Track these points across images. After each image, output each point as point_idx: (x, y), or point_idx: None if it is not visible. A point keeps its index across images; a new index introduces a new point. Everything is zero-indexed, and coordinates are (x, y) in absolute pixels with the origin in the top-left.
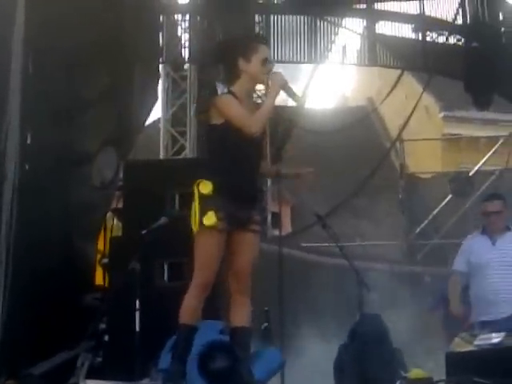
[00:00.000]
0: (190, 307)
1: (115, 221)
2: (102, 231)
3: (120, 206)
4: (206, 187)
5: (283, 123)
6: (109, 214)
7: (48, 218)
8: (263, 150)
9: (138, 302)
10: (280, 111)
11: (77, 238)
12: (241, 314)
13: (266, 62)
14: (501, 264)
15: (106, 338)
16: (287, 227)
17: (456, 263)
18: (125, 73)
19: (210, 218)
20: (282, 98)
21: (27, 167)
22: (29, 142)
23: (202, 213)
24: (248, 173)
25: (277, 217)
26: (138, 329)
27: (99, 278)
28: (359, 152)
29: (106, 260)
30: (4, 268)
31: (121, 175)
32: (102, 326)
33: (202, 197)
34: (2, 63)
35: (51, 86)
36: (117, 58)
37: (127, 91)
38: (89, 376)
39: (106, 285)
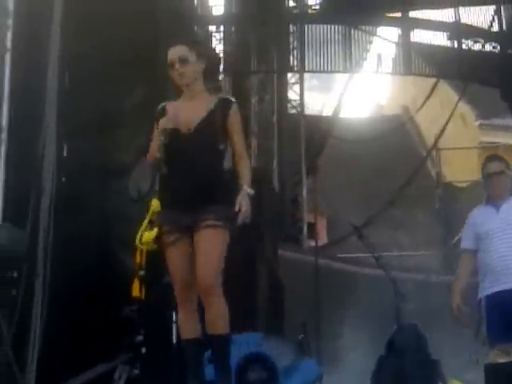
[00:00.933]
0: (180, 321)
1: (152, 233)
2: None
3: None
4: (155, 204)
5: (318, 133)
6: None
7: (85, 231)
8: (211, 148)
9: (174, 314)
10: (315, 121)
11: (114, 250)
12: (210, 319)
13: (170, 66)
14: (506, 231)
15: (144, 350)
16: (323, 238)
17: (463, 241)
18: (160, 84)
19: (145, 237)
20: (316, 109)
21: (64, 179)
22: (65, 154)
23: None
24: (184, 178)
25: (313, 227)
26: (174, 341)
27: (136, 290)
28: (395, 161)
29: (142, 272)
30: (42, 280)
31: (157, 187)
32: (140, 338)
33: (154, 214)
34: (38, 77)
35: (87, 99)
36: (152, 69)
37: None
38: None
39: (143, 297)
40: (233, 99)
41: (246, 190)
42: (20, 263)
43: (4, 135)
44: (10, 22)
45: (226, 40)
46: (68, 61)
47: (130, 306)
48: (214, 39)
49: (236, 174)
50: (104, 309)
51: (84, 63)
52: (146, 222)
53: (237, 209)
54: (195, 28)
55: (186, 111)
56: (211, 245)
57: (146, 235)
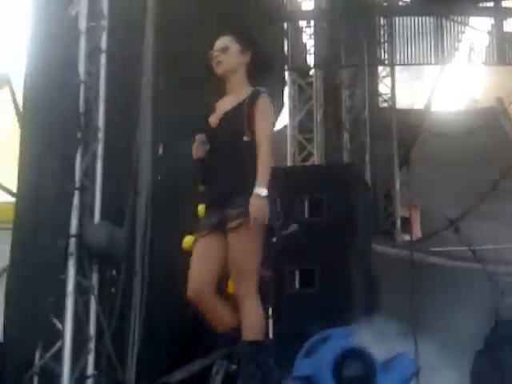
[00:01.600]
0: (211, 319)
1: None
2: None
3: None
4: (201, 211)
5: (410, 126)
6: None
7: (181, 228)
8: (236, 140)
9: (270, 309)
10: (406, 115)
11: None
12: (245, 325)
13: (212, 55)
14: None
15: None
16: (417, 232)
17: None
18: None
19: (187, 241)
20: (407, 102)
21: (159, 178)
22: (160, 153)
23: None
24: (214, 174)
25: (406, 222)
26: (271, 336)
27: (231, 286)
28: (489, 154)
29: None
30: (140, 278)
31: None
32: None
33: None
34: (133, 78)
35: (181, 99)
36: None
37: None
38: (224, 383)
39: None
40: (263, 89)
41: (256, 192)
42: (119, 262)
43: (101, 135)
44: (105, 23)
45: (316, 35)
46: (162, 61)
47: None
48: (304, 34)
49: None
50: None
51: (177, 65)
52: None
53: (251, 217)
54: (285, 25)
55: (222, 105)
56: (238, 252)
57: (187, 239)
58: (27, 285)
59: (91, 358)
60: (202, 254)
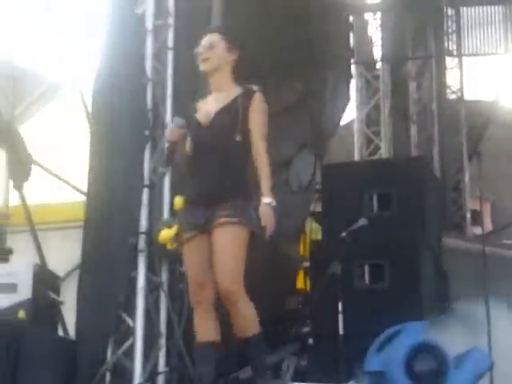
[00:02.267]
0: (195, 323)
1: (314, 224)
2: (302, 235)
3: (318, 209)
4: (178, 202)
5: (479, 118)
6: (308, 218)
7: None
8: (228, 139)
9: (340, 304)
10: (475, 106)
11: (279, 243)
12: (237, 323)
13: (198, 53)
14: None
15: (311, 341)
16: (487, 225)
17: None
18: (317, 76)
19: (163, 236)
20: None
21: None
22: None
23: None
24: (202, 172)
25: (476, 215)
26: (341, 331)
27: (300, 281)
28: None
29: (306, 264)
30: None
31: (318, 178)
32: (306, 329)
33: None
34: (199, 75)
35: None
36: (309, 62)
37: (320, 94)
38: (294, 379)
39: (308, 288)
40: (256, 87)
41: (266, 201)
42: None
43: None
44: (171, 21)
45: (382, 27)
46: None
47: (295, 297)
48: (369, 27)
49: (255, 171)
50: (271, 301)
51: (242, 58)
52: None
53: (262, 224)
54: (350, 18)
55: (210, 103)
56: (226, 246)
57: (164, 233)
58: (98, 282)
59: (162, 354)
60: (193, 259)
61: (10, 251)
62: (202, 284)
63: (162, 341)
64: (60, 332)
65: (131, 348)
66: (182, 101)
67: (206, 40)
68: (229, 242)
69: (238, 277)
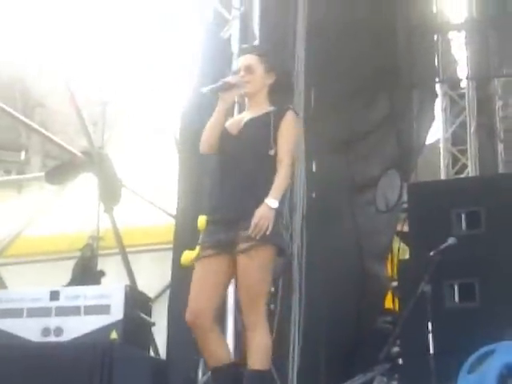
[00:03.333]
0: (203, 350)
1: (401, 244)
2: (389, 254)
3: (405, 228)
4: (201, 223)
5: None
6: (395, 238)
7: (337, 244)
8: (259, 152)
9: (430, 324)
10: None
11: (366, 262)
12: (250, 353)
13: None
14: None
15: (401, 361)
16: None
17: None
18: (403, 96)
19: (185, 256)
20: None
21: (313, 195)
22: (314, 169)
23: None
24: (228, 187)
25: None
26: (431, 351)
27: (389, 301)
28: None
29: (394, 283)
30: (298, 295)
31: (404, 197)
32: (396, 349)
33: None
34: (286, 98)
35: (332, 115)
36: (394, 82)
37: (406, 114)
38: None
39: (396, 308)
40: (290, 106)
41: (268, 201)
42: (276, 279)
43: None
44: (257, 43)
45: (467, 45)
46: (313, 80)
47: (384, 317)
48: (453, 45)
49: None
50: (360, 320)
51: (328, 80)
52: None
53: (253, 222)
54: (435, 37)
55: (244, 116)
56: (247, 276)
57: (186, 254)
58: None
59: None
60: (204, 277)
61: (101, 273)
62: (199, 310)
63: None
64: (151, 352)
65: None
66: None
67: (243, 61)
68: (256, 269)
69: (259, 306)
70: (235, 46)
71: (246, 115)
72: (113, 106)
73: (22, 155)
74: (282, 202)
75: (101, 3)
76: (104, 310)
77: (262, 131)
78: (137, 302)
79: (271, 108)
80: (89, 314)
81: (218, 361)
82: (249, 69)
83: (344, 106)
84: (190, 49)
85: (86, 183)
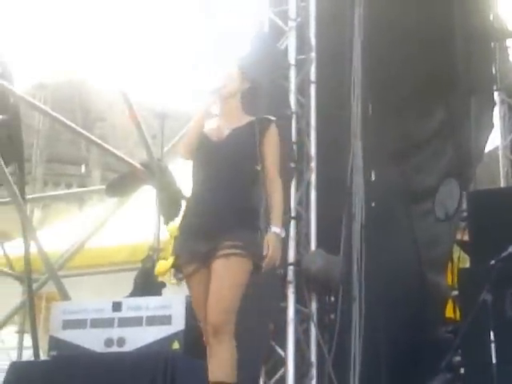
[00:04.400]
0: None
1: (461, 252)
2: (449, 263)
3: (465, 237)
4: (172, 231)
5: None
6: (455, 246)
7: (396, 253)
8: (245, 164)
9: (491, 333)
10: None
11: (426, 271)
12: (214, 364)
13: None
14: None
15: (462, 370)
16: None
17: None
18: (460, 104)
19: (160, 267)
20: None
21: (373, 205)
22: (372, 179)
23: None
24: (207, 196)
25: None
26: (494, 360)
27: (450, 310)
28: None
29: (455, 292)
30: (358, 304)
31: (464, 206)
32: (457, 358)
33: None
34: (342, 107)
35: (390, 125)
36: (451, 90)
37: (464, 122)
38: None
39: (457, 317)
40: (272, 118)
41: (275, 231)
42: (336, 288)
43: (314, 164)
44: (313, 55)
45: None
46: (370, 89)
47: (445, 326)
48: (510, 53)
49: (268, 203)
50: (420, 330)
51: (384, 90)
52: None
53: (264, 252)
54: (492, 44)
55: (220, 120)
56: (222, 278)
57: (161, 265)
58: (249, 313)
59: (314, 383)
60: (199, 294)
61: (162, 284)
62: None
63: (314, 370)
64: None
65: (283, 377)
66: (325, 132)
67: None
68: (225, 276)
69: (229, 314)
70: (292, 57)
71: (223, 122)
72: (171, 118)
73: (83, 168)
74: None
75: (157, 19)
76: (165, 320)
77: (247, 144)
78: None
79: (250, 118)
80: (150, 324)
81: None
82: (227, 75)
83: (401, 114)
84: (246, 60)
85: (146, 195)
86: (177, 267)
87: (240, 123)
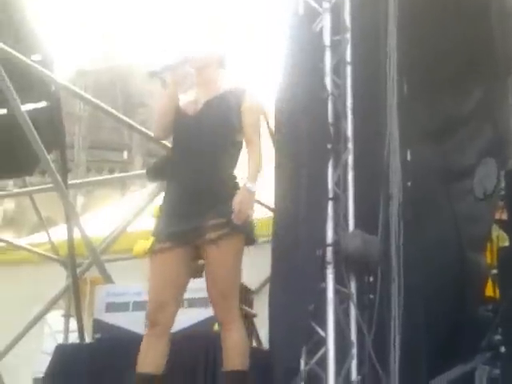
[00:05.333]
0: (141, 350)
1: (500, 231)
2: (489, 243)
3: (504, 216)
4: (155, 210)
5: None
6: (494, 225)
7: (435, 233)
8: (224, 136)
9: None
10: None
11: (466, 251)
12: (228, 353)
13: None
14: None
15: (503, 349)
16: None
17: None
18: (498, 85)
19: (138, 246)
20: None
21: (409, 184)
22: (409, 159)
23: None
24: (186, 173)
25: None
26: None
27: (489, 289)
28: None
29: (494, 271)
30: (397, 284)
31: (502, 185)
32: (498, 337)
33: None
34: (378, 86)
35: (426, 104)
36: (489, 70)
37: (503, 102)
38: None
39: (497, 296)
40: (249, 85)
41: (246, 185)
42: (375, 268)
43: (351, 145)
44: (348, 36)
45: None
46: (405, 68)
47: (485, 305)
48: None
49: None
50: (460, 309)
51: (420, 68)
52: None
53: (235, 209)
54: None
55: (197, 93)
56: (219, 269)
57: (139, 244)
58: (289, 294)
59: (354, 363)
60: (163, 272)
61: (203, 267)
62: (164, 303)
63: (354, 350)
64: (254, 343)
65: (323, 358)
66: (362, 112)
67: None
68: (228, 260)
69: (232, 300)
70: (327, 39)
71: (200, 94)
72: None
73: (125, 155)
74: None
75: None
76: (206, 302)
77: (224, 112)
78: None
79: (228, 86)
80: (192, 306)
81: (149, 368)
82: (198, 42)
83: (438, 94)
84: (280, 43)
85: None
86: (153, 248)
87: (217, 93)
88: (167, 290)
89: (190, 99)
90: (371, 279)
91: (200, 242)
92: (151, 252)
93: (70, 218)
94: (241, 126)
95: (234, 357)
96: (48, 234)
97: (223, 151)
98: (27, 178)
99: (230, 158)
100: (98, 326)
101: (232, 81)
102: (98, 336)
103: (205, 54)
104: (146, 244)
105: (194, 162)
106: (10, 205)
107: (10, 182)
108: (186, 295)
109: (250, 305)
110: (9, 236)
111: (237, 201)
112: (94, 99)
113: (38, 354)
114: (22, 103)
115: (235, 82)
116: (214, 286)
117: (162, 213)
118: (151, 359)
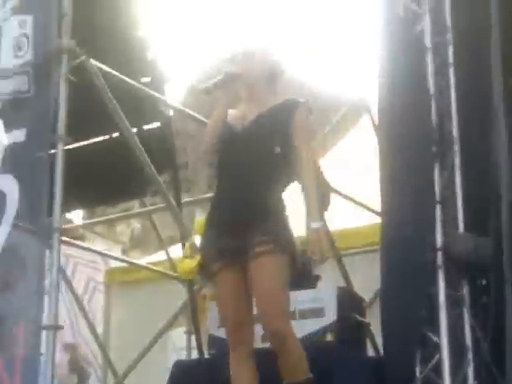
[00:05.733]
0: (232, 370)
1: None
2: None
3: None
4: (199, 226)
5: None
6: None
7: None
8: (267, 150)
9: None
10: None
11: None
12: (287, 367)
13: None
14: None
15: None
16: None
17: None
18: None
19: (184, 266)
20: None
21: None
22: None
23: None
24: (233, 189)
25: None
26: None
27: None
28: None
29: None
30: (511, 286)
31: None
32: None
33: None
34: (482, 84)
35: None
36: None
37: None
38: None
39: None
40: (302, 100)
41: (314, 226)
42: (487, 270)
43: (457, 146)
44: (450, 37)
45: None
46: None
47: None
48: None
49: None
50: None
51: None
52: (187, 246)
53: (309, 252)
54: None
55: (245, 109)
56: (269, 280)
57: (186, 263)
58: (399, 300)
59: (471, 369)
60: (232, 291)
61: (317, 278)
62: (243, 323)
63: (470, 355)
64: (370, 352)
65: (438, 364)
66: (465, 114)
67: (244, 49)
68: (271, 275)
69: (285, 313)
70: (427, 40)
71: (249, 109)
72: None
73: None
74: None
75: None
76: (318, 313)
77: (270, 127)
78: (350, 303)
79: (278, 100)
80: (304, 317)
81: None
82: (247, 55)
83: None
84: (380, 46)
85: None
86: (202, 266)
87: (265, 108)
88: (242, 310)
89: (238, 114)
90: (484, 282)
91: (246, 258)
92: (206, 272)
93: (184, 237)
94: (292, 139)
95: (298, 366)
96: (167, 252)
97: (268, 166)
98: (148, 199)
99: (275, 173)
100: (213, 341)
101: (282, 94)
102: (212, 351)
103: (255, 71)
104: (191, 263)
105: (238, 178)
106: (136, 225)
107: (136, 204)
108: (298, 306)
109: (362, 313)
110: (136, 255)
111: (309, 243)
112: (204, 119)
113: (163, 371)
114: (133, 125)
115: (285, 96)
116: (263, 300)
117: (208, 229)
118: (246, 378)
